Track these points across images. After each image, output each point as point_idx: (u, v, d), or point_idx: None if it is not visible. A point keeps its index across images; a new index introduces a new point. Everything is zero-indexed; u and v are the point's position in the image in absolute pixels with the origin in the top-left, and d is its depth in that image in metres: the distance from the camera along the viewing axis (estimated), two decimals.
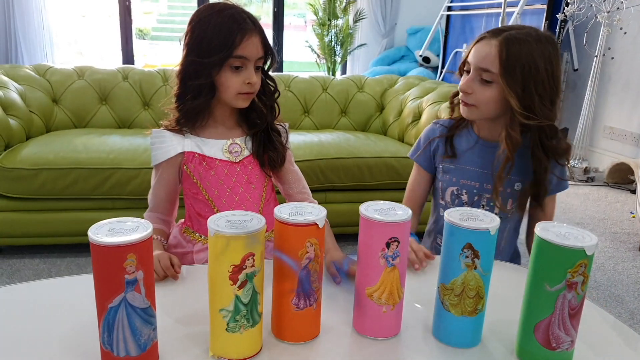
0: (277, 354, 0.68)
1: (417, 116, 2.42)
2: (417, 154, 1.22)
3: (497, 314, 0.81)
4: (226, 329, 0.64)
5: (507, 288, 0.92)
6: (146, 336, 0.62)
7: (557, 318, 0.66)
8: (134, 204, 1.94)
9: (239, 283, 0.63)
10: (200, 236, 1.08)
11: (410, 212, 0.71)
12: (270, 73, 1.09)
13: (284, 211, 0.69)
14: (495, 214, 1.09)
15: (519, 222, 1.19)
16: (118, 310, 0.59)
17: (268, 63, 1.06)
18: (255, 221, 0.65)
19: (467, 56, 1.05)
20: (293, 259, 0.67)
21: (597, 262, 2.20)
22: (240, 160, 1.07)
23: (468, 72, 1.05)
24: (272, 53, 1.04)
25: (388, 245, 0.69)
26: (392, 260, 0.69)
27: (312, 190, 1.17)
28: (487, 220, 0.70)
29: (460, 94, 1.06)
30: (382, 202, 0.73)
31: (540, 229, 0.66)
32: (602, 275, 2.10)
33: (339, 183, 2.17)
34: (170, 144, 1.04)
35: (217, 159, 1.05)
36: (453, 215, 0.70)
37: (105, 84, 2.40)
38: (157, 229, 1.08)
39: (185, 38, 1.00)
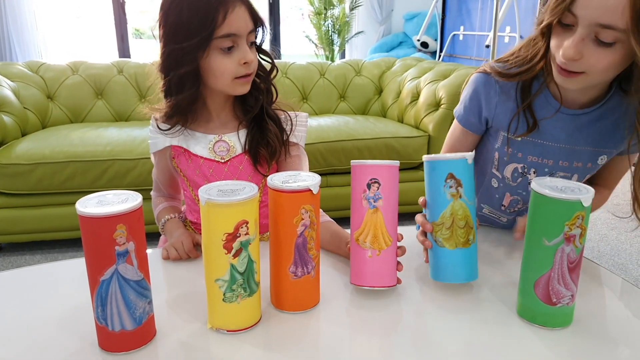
0: (276, 324, 0.68)
1: (416, 96, 2.41)
2: (462, 115, 0.98)
3: (498, 278, 0.80)
4: (223, 299, 0.64)
5: (508, 254, 0.91)
6: (141, 309, 0.61)
7: (556, 272, 0.65)
8: None
9: (233, 252, 0.62)
10: (190, 229, 1.03)
11: (398, 163, 0.71)
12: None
13: (277, 179, 0.68)
14: None
15: None
16: (110, 283, 0.58)
17: (260, 37, 0.92)
18: (247, 189, 0.64)
19: (568, 2, 0.72)
20: None
21: (600, 233, 2.19)
22: (227, 160, 0.95)
23: (568, 25, 0.74)
24: (262, 24, 0.90)
25: (369, 186, 0.70)
26: (374, 202, 0.70)
27: None
28: (460, 154, 0.72)
29: (559, 59, 0.75)
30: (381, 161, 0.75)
31: (535, 184, 0.65)
32: (606, 245, 2.09)
33: (340, 166, 2.16)
34: (160, 136, 0.97)
35: (201, 157, 0.95)
36: (430, 156, 0.73)
37: (100, 78, 2.39)
38: (171, 207, 1.04)
39: (160, 29, 0.87)
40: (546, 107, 0.87)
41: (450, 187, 0.71)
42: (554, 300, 0.65)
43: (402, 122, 2.46)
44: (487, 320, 0.69)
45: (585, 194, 0.62)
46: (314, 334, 0.67)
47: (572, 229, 0.63)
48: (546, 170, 0.91)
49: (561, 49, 0.74)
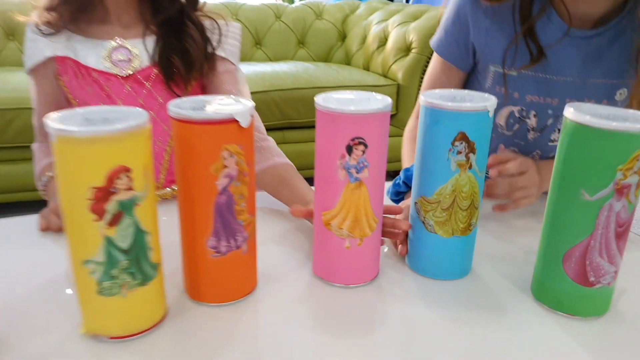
0: (191, 322, 0.46)
1: (383, 41, 2.19)
2: (442, 45, 0.79)
3: (504, 248, 0.62)
4: (98, 292, 0.41)
5: (517, 215, 0.71)
6: None
7: (598, 240, 0.45)
8: None
9: (108, 217, 0.39)
10: None
11: (389, 101, 0.47)
12: None
13: (184, 104, 0.44)
14: None
15: None
16: None
17: None
18: (133, 116, 0.40)
19: None
20: None
21: None
22: (129, 75, 0.75)
23: None
24: None
25: (350, 149, 0.45)
26: (357, 172, 0.47)
27: (267, 129, 0.80)
28: (478, 99, 0.49)
29: None
30: (352, 91, 0.51)
31: (572, 110, 0.44)
32: None
33: (298, 119, 1.93)
34: (41, 45, 0.73)
35: (93, 69, 0.73)
36: (433, 97, 0.49)
37: (11, 14, 2.02)
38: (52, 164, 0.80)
39: None
40: (550, 29, 0.69)
41: (459, 152, 0.48)
42: (592, 279, 0.46)
43: (368, 70, 2.24)
44: (492, 306, 0.50)
45: None
46: (247, 333, 0.45)
47: (628, 176, 0.42)
48: (550, 112, 0.73)
49: None
